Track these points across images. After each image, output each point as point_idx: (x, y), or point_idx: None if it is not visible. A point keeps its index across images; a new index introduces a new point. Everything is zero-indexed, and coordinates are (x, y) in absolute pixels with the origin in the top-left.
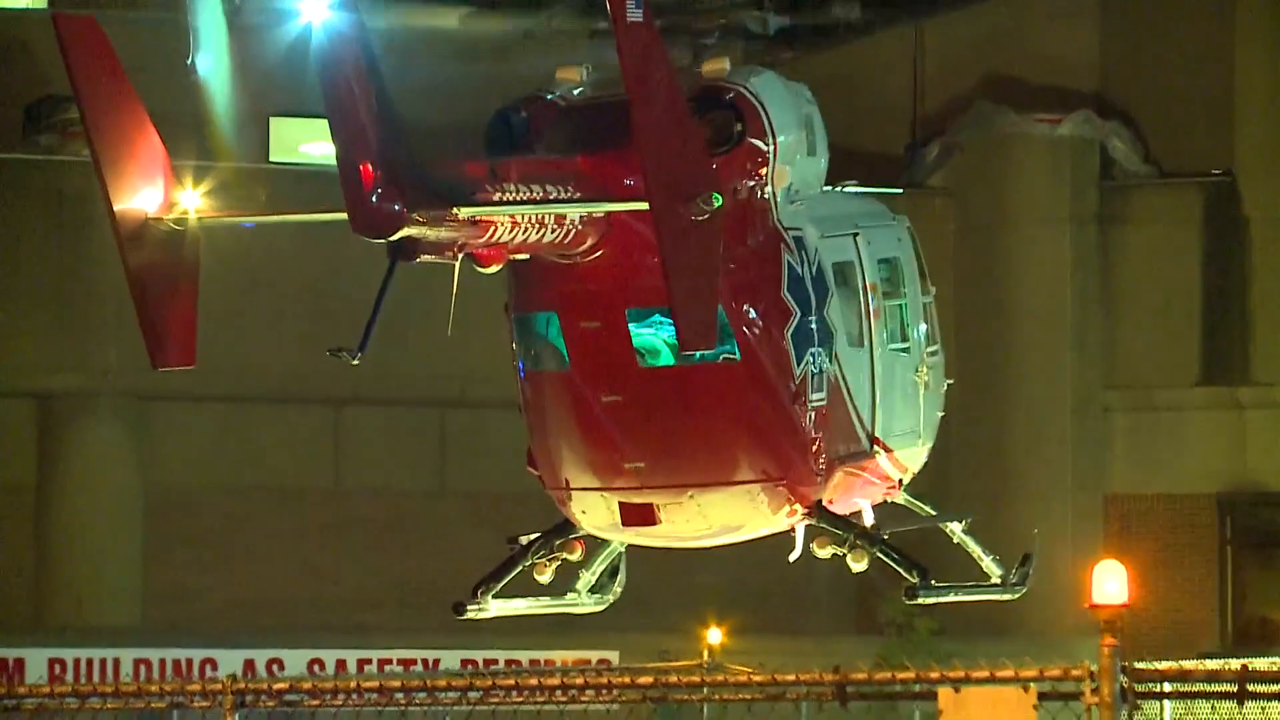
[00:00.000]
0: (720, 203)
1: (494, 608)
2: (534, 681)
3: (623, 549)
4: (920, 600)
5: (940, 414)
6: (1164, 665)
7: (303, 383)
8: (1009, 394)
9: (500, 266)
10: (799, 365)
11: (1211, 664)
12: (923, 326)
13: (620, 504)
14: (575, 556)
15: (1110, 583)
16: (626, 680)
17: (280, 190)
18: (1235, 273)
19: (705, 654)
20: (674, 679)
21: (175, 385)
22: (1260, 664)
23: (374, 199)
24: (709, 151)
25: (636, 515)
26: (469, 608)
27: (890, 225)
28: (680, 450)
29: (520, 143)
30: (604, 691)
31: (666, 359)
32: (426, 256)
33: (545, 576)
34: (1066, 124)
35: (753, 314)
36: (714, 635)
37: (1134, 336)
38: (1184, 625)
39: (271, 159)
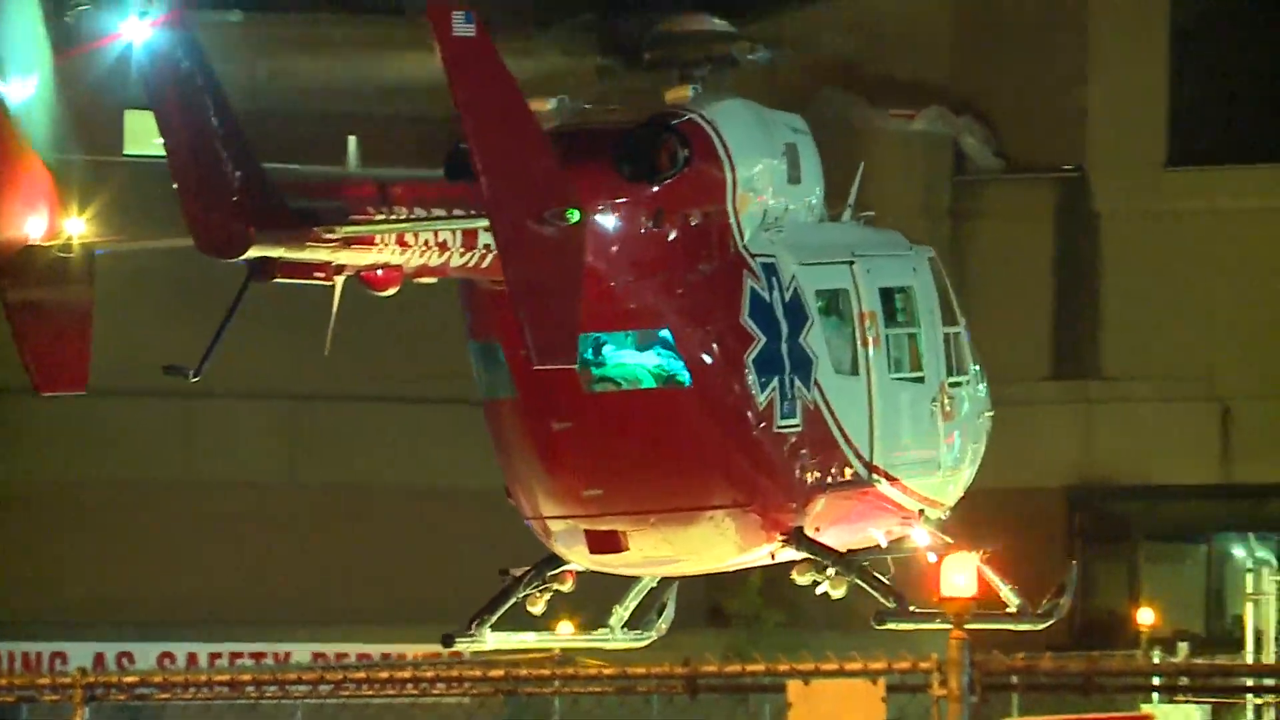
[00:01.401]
0: (577, 218)
1: (492, 640)
2: (385, 675)
3: (654, 583)
4: (890, 625)
5: (975, 445)
6: (1012, 659)
7: (154, 376)
8: None
9: (395, 289)
10: (763, 391)
11: (1075, 657)
12: (941, 356)
13: (586, 531)
14: (567, 588)
15: (959, 576)
16: (478, 674)
17: (135, 183)
18: (1085, 268)
19: (557, 648)
20: (525, 672)
21: (22, 379)
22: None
23: (215, 219)
24: (627, 166)
25: (603, 543)
26: (459, 640)
27: (904, 255)
28: (635, 476)
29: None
30: (455, 685)
31: (612, 384)
32: (288, 278)
33: (538, 608)
34: (920, 119)
35: (706, 339)
36: (565, 629)
37: (985, 331)
38: None
39: (126, 152)
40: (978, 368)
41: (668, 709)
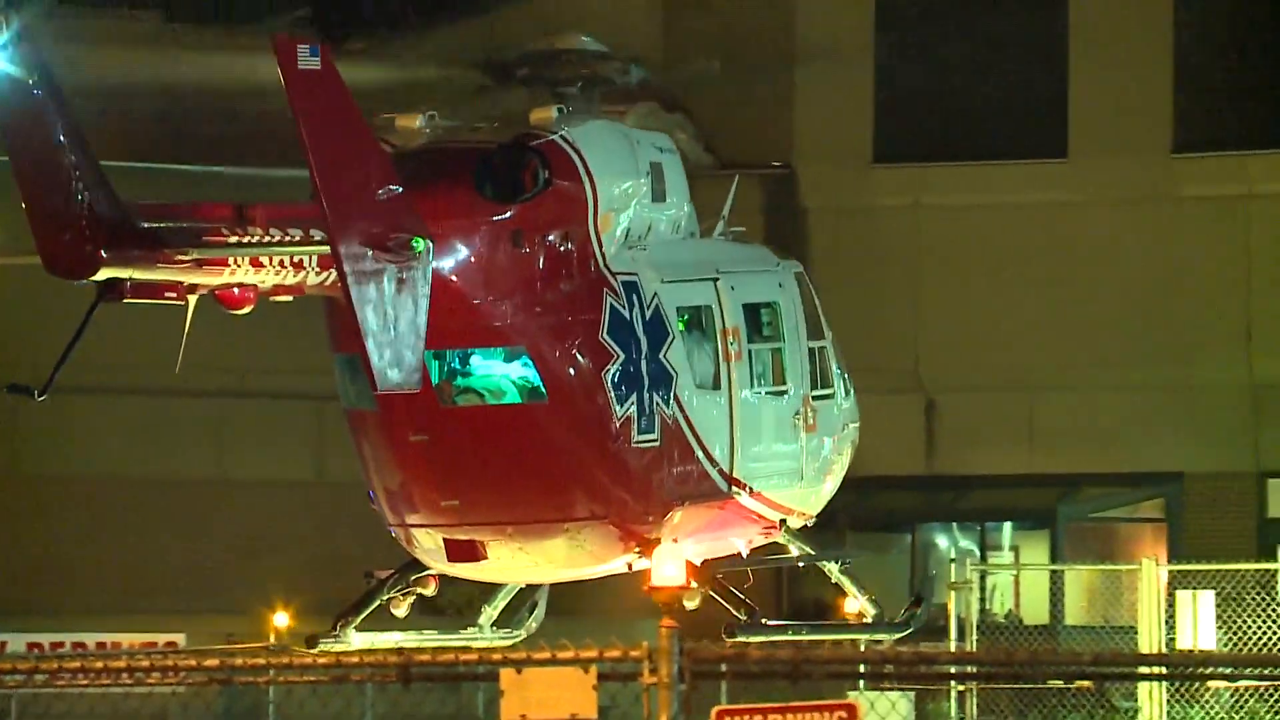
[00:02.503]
0: (422, 247)
1: (357, 641)
2: (100, 665)
3: (523, 586)
4: (740, 638)
5: (840, 455)
6: (721, 647)
7: None
8: None
9: (250, 308)
10: (620, 406)
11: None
12: (805, 370)
13: (445, 540)
14: (430, 591)
15: (669, 566)
16: (193, 663)
17: None
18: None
19: (271, 637)
20: (239, 662)
21: None
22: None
23: (65, 240)
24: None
25: (461, 552)
26: (324, 640)
27: (770, 271)
28: (492, 489)
29: None
30: (170, 674)
31: (471, 399)
32: (139, 298)
33: (401, 610)
34: (631, 115)
35: (564, 356)
36: (280, 619)
37: None
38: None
39: None
40: (844, 380)
41: (381, 698)
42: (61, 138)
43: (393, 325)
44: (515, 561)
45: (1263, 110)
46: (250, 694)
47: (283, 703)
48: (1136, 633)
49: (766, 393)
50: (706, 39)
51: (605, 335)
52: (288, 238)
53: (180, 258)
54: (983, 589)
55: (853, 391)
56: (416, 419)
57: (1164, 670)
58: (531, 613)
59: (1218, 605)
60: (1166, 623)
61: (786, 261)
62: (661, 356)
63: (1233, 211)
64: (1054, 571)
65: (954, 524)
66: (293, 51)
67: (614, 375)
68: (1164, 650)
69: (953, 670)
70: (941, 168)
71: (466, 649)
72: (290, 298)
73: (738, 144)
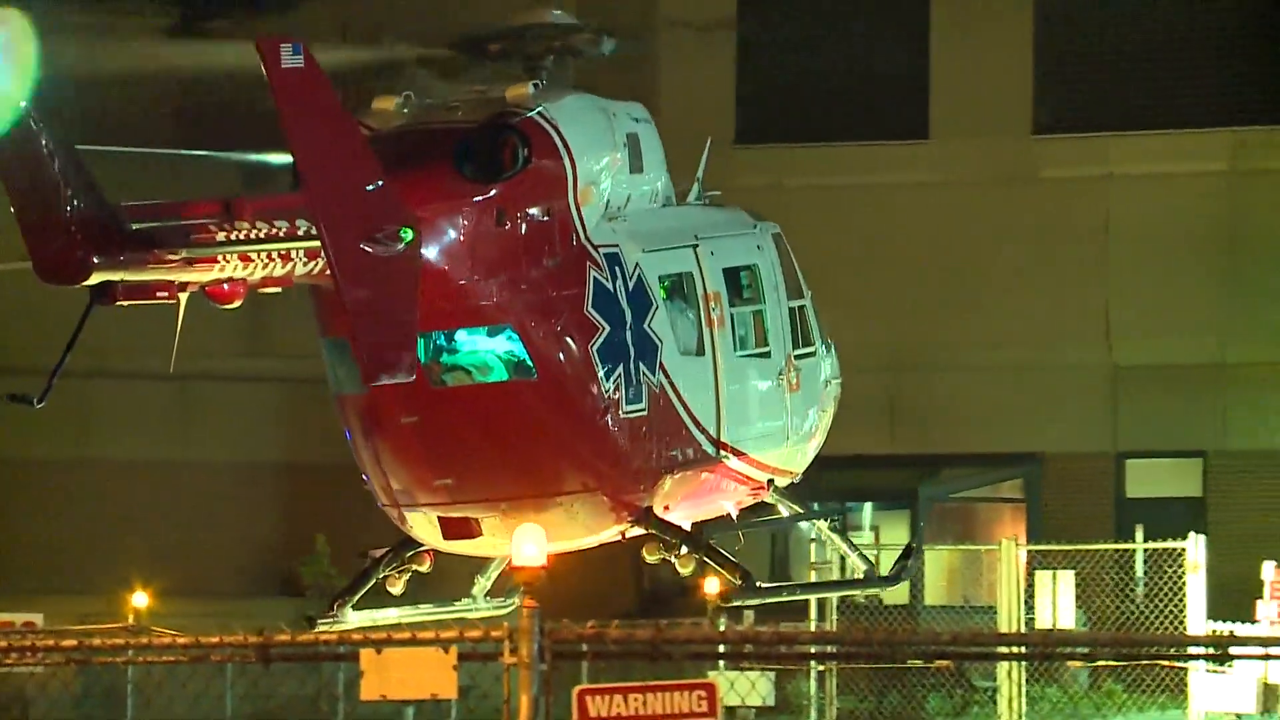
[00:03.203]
0: (410, 238)
1: (354, 619)
2: None
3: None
4: (736, 602)
5: (824, 413)
6: (582, 627)
7: None
8: None
9: (240, 302)
10: (608, 379)
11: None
12: (787, 330)
13: (439, 518)
14: (425, 568)
15: (529, 546)
16: (50, 643)
17: None
18: None
19: (130, 617)
20: (98, 642)
21: None
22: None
23: (56, 247)
24: (461, 181)
25: (456, 529)
26: (322, 621)
27: (747, 234)
28: (484, 467)
29: None
30: (28, 655)
31: (459, 379)
32: (131, 299)
33: (397, 588)
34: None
35: (550, 332)
36: (139, 599)
37: None
38: (603, 588)
39: None
40: (824, 337)
41: (241, 679)
42: (48, 147)
43: (384, 319)
44: (509, 537)
45: (1122, 92)
46: (109, 674)
47: (141, 683)
48: (996, 612)
49: (750, 355)
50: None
51: (590, 308)
52: (275, 231)
53: (170, 257)
54: (843, 569)
55: (834, 348)
56: (406, 401)
57: (1023, 650)
58: None
59: (1076, 585)
60: (1026, 602)
61: (763, 223)
62: (646, 326)
63: (1092, 193)
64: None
65: (815, 504)
66: (276, 51)
67: (600, 348)
68: (1023, 630)
69: (812, 650)
70: (803, 149)
71: (327, 630)
72: (279, 289)
73: None
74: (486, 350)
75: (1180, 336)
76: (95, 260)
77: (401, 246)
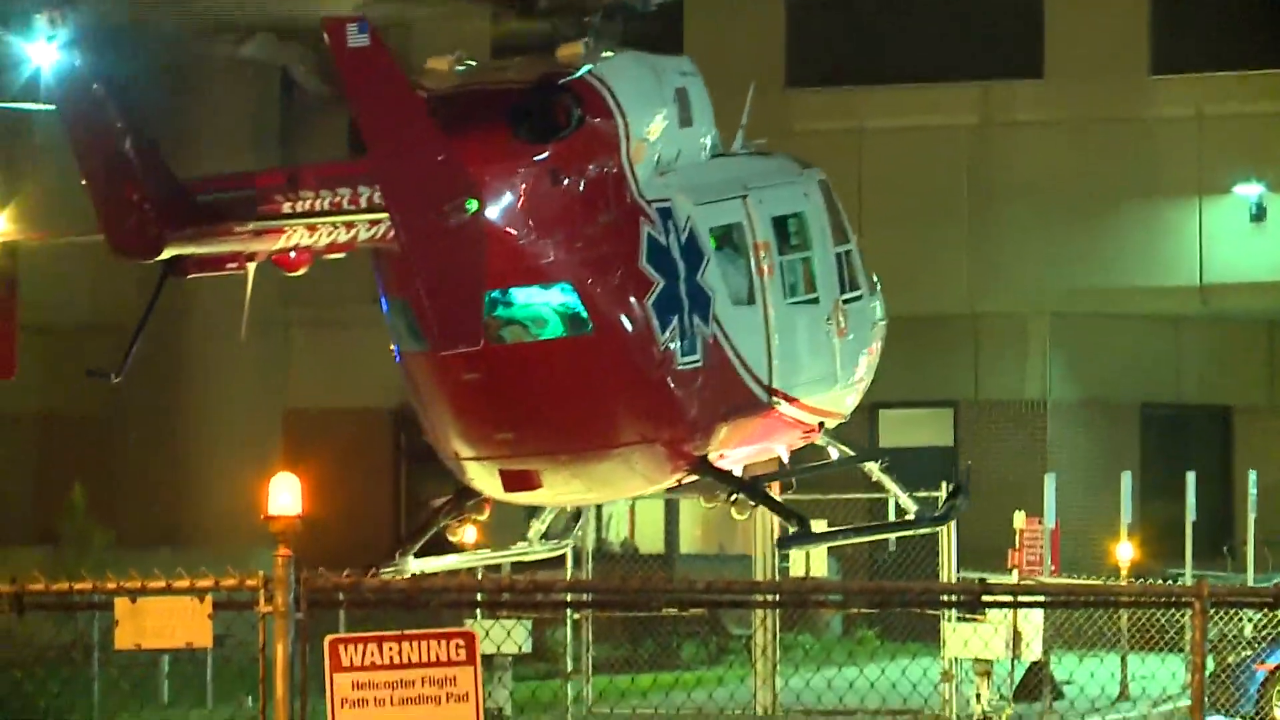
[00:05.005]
0: (475, 207)
1: (415, 566)
2: None
3: None
4: (793, 548)
5: (871, 356)
6: (339, 576)
7: None
8: (190, 310)
9: (306, 269)
10: (663, 331)
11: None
12: (835, 276)
13: (500, 471)
14: (484, 517)
15: (284, 495)
16: None
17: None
18: None
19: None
20: None
21: None
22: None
23: (130, 223)
24: (520, 148)
25: (517, 481)
26: (384, 570)
27: (794, 182)
28: (545, 421)
29: None
30: None
31: (520, 336)
32: (202, 272)
33: (458, 536)
34: (249, 46)
35: (607, 287)
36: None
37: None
38: (362, 536)
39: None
40: (870, 280)
41: None
42: (120, 124)
43: (452, 289)
44: (569, 488)
45: (872, 47)
46: None
47: None
48: (751, 561)
49: (799, 303)
50: None
51: (644, 263)
52: (338, 200)
53: (239, 229)
54: (599, 519)
55: (879, 288)
56: (468, 357)
57: (776, 598)
58: (577, 520)
59: None
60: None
61: (809, 169)
62: (699, 278)
63: (844, 146)
64: (669, 501)
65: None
66: (342, 31)
67: (655, 301)
68: (776, 578)
69: (569, 598)
70: None
71: (81, 578)
72: (343, 255)
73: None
74: (545, 307)
75: (931, 288)
76: (168, 235)
77: (467, 216)
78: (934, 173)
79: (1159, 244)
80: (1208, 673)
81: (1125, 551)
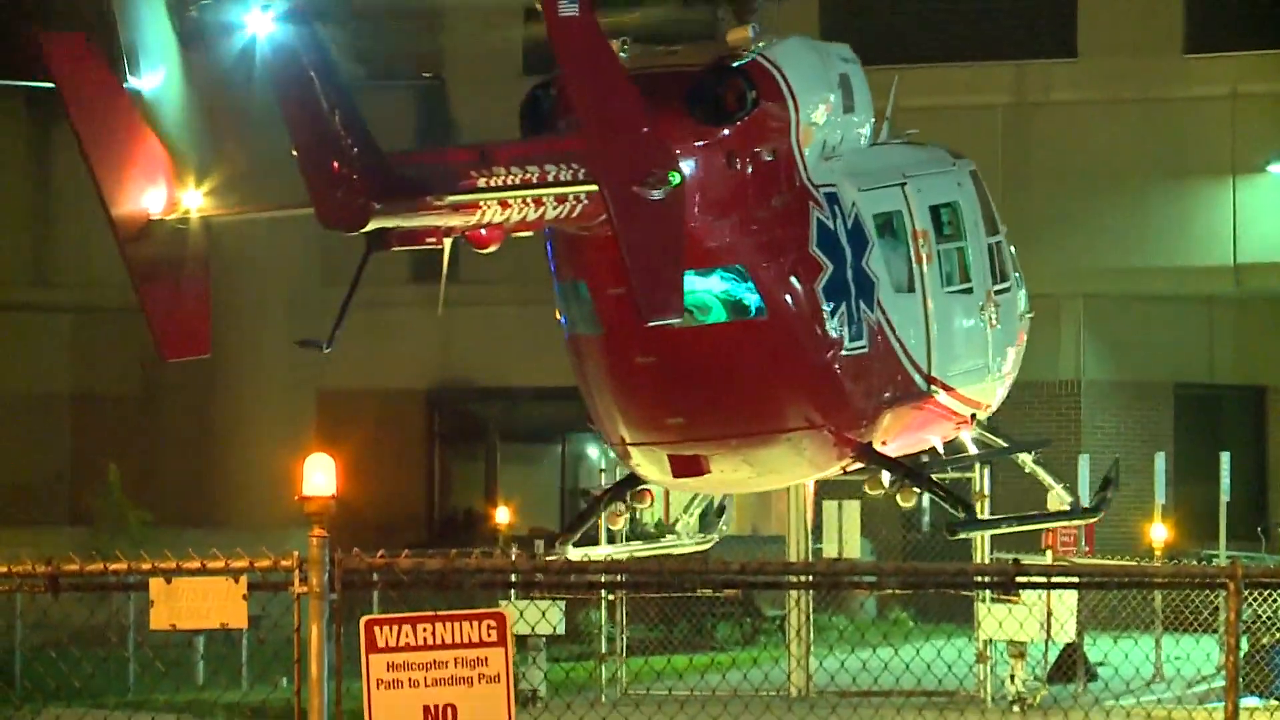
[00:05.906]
0: (677, 180)
1: (573, 554)
2: None
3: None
4: (962, 535)
5: (1016, 347)
6: (373, 557)
7: None
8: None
9: (497, 246)
10: (832, 316)
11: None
12: (986, 266)
13: (669, 456)
14: (645, 505)
15: (318, 475)
16: None
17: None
18: None
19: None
20: None
21: None
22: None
23: (339, 196)
24: (702, 127)
25: (685, 466)
26: (548, 558)
27: (948, 171)
28: (716, 405)
29: (549, 120)
30: None
31: (692, 319)
32: (402, 246)
33: (618, 525)
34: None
35: (779, 271)
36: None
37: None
38: (395, 517)
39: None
40: (1017, 273)
41: (32, 609)
42: (334, 102)
43: (658, 260)
44: (737, 473)
45: (906, 26)
46: None
47: None
48: (784, 542)
49: (955, 292)
50: None
51: (814, 248)
52: (529, 176)
53: (438, 204)
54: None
55: (1024, 281)
56: (643, 341)
57: (809, 579)
58: (720, 514)
59: (862, 515)
60: (813, 532)
61: (961, 160)
62: (864, 264)
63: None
64: None
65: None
66: (554, 1)
67: (825, 286)
68: (810, 559)
69: (603, 579)
70: None
71: (116, 559)
72: (530, 233)
73: (390, 55)
74: (719, 291)
75: None
76: (373, 208)
77: (670, 188)
78: (968, 152)
79: (1192, 223)
80: (1241, 654)
81: (1159, 532)
